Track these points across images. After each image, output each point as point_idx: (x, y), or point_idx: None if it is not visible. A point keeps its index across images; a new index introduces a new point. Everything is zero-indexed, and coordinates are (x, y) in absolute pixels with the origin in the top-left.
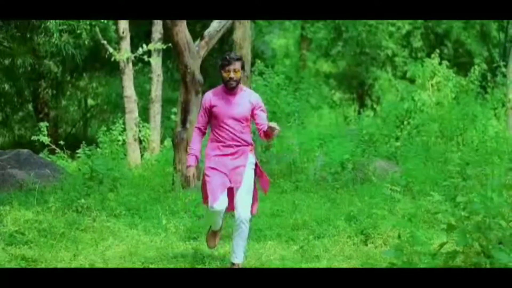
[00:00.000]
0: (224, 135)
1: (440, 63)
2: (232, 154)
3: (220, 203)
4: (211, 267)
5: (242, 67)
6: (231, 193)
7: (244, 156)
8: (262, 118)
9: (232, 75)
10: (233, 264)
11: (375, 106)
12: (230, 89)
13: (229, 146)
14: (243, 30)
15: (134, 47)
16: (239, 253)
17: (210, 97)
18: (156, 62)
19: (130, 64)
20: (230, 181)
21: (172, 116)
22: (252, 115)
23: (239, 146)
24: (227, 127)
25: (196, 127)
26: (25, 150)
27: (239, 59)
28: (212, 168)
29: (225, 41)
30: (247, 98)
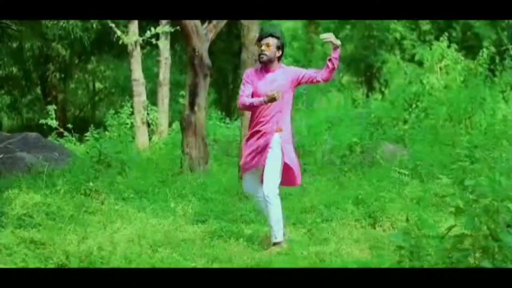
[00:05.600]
0: (257, 113)
1: (448, 46)
2: (260, 132)
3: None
4: (219, 250)
5: (280, 46)
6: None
7: (270, 135)
8: (312, 70)
9: (263, 48)
10: (274, 244)
11: (383, 89)
12: (264, 65)
13: (260, 123)
14: None
15: (142, 30)
16: (275, 232)
17: (249, 72)
18: (164, 45)
19: (138, 47)
20: (257, 159)
21: (180, 99)
22: (302, 79)
23: (267, 124)
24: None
25: (240, 97)
26: (33, 134)
27: (273, 35)
28: (247, 146)
29: (234, 24)
30: (284, 75)
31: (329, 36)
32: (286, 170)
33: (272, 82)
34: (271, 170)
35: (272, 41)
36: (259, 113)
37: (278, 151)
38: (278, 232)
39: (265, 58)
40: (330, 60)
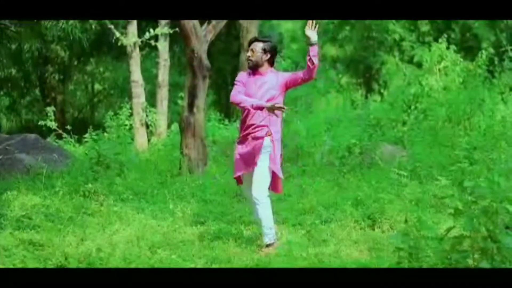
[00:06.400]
0: (247, 116)
1: (447, 48)
2: (250, 136)
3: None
4: (218, 251)
5: (266, 49)
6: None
7: (260, 140)
8: (295, 73)
9: (248, 53)
10: (267, 245)
11: (382, 90)
12: (253, 69)
13: (249, 127)
14: None
15: (141, 31)
16: (265, 233)
17: (240, 75)
18: (163, 46)
19: (137, 49)
20: (247, 162)
21: (179, 101)
22: (289, 84)
23: (257, 128)
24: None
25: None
26: (32, 135)
27: (258, 40)
28: (238, 149)
29: (233, 25)
30: (274, 79)
31: (312, 34)
32: (273, 176)
33: (261, 85)
34: (260, 172)
35: (257, 45)
36: (251, 117)
37: (267, 155)
38: (269, 233)
39: (250, 63)
40: (309, 59)
